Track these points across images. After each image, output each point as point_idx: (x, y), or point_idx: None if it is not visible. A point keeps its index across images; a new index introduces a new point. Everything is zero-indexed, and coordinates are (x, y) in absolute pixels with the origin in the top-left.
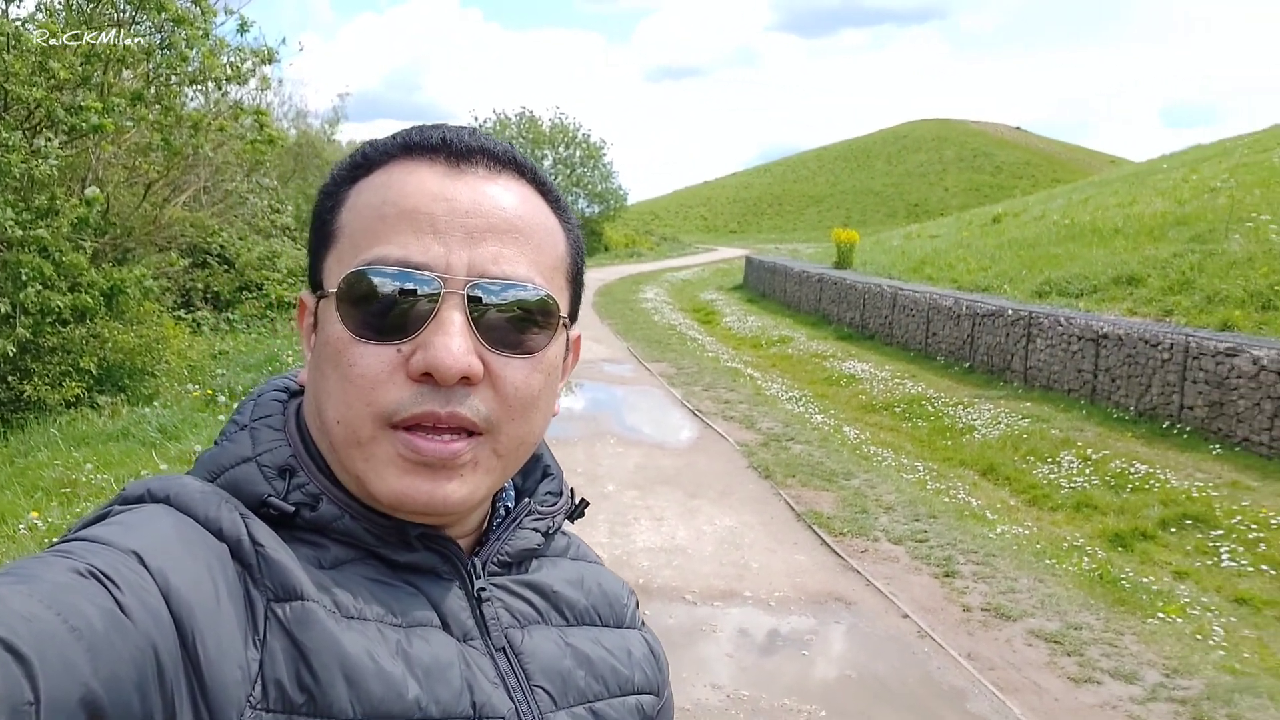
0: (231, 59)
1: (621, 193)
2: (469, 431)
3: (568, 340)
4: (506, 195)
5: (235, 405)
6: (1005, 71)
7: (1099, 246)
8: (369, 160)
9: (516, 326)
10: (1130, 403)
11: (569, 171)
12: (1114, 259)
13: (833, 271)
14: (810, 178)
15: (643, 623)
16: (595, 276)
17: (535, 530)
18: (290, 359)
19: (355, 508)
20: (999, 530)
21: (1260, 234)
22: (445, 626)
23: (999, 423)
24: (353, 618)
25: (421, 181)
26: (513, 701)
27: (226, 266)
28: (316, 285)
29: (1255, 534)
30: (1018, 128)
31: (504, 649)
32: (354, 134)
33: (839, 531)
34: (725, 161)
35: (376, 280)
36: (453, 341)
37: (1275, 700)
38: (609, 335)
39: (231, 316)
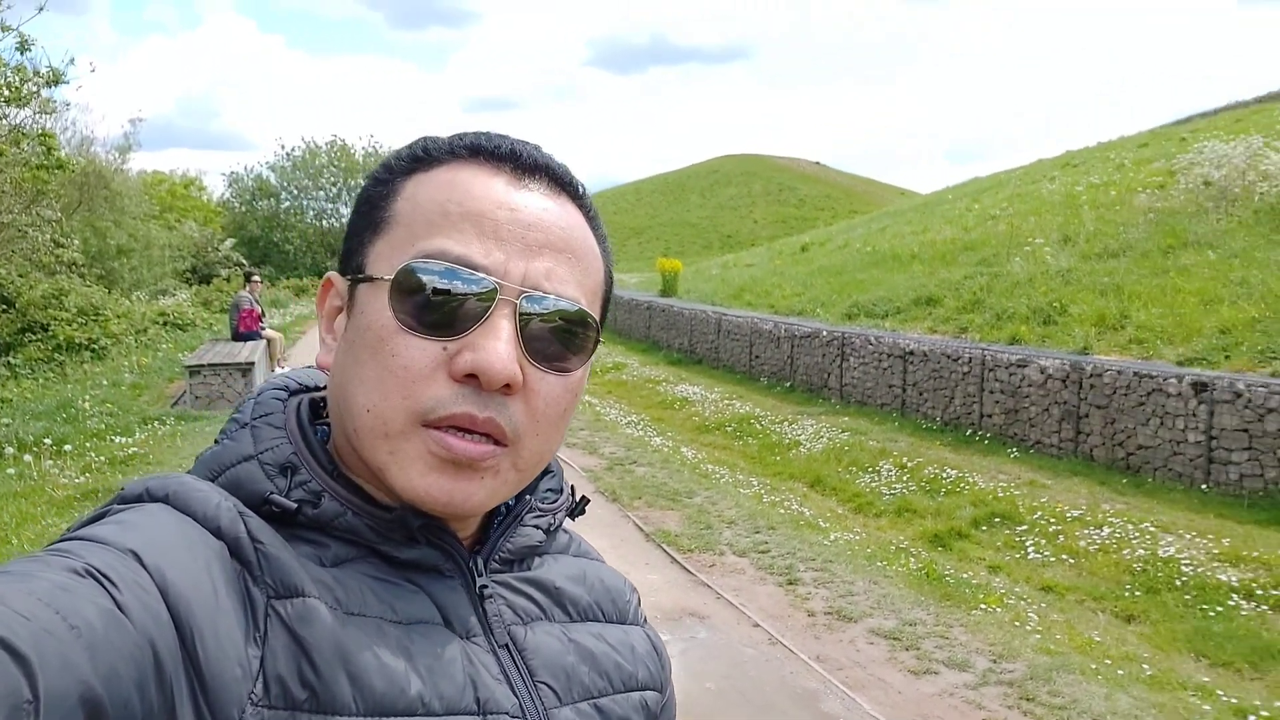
0: (10, 79)
1: None
2: (495, 440)
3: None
4: (564, 215)
5: (235, 405)
6: (805, 109)
7: (899, 271)
8: (430, 156)
9: (558, 343)
10: (937, 413)
11: None
12: (913, 282)
13: (660, 299)
14: (630, 210)
15: (645, 619)
16: None
17: (537, 527)
18: (86, 404)
19: (357, 504)
20: (832, 537)
21: (1037, 256)
22: (447, 624)
23: (821, 437)
24: (354, 614)
25: (488, 187)
26: (517, 698)
27: (5, 306)
28: (356, 269)
29: (1054, 527)
30: (817, 162)
31: (507, 646)
32: (147, 163)
33: (687, 548)
34: None
35: (435, 273)
36: (503, 347)
37: (1086, 674)
38: None
39: (13, 361)
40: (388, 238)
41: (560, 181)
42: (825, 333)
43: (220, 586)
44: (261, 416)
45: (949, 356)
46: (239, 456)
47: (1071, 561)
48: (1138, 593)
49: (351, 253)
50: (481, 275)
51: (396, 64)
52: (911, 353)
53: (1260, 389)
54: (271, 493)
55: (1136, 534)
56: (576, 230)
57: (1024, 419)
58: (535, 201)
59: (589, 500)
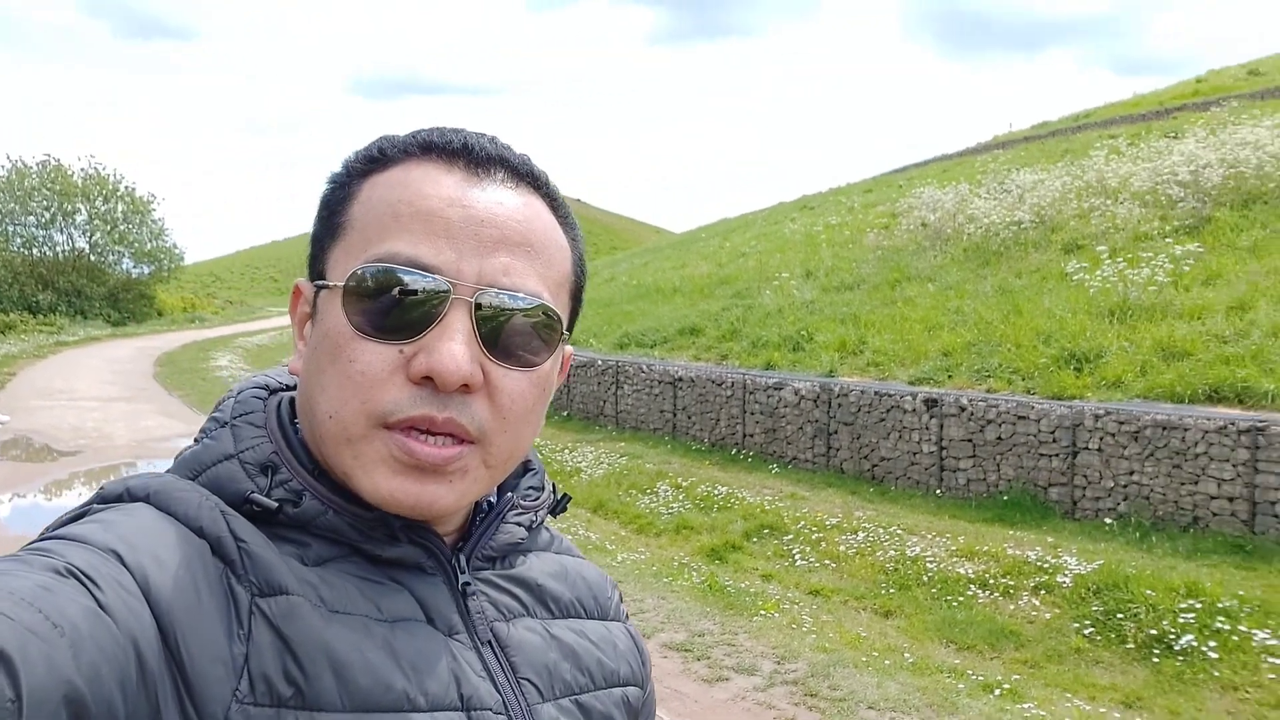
0: None
1: (177, 252)
2: (460, 439)
3: (561, 356)
4: (522, 208)
5: (215, 402)
6: (562, 148)
7: (663, 303)
8: (385, 156)
9: (519, 339)
10: (705, 435)
11: (109, 228)
12: (677, 313)
13: None
14: None
15: (627, 615)
16: (153, 345)
17: (519, 524)
18: None
19: (338, 503)
20: (620, 558)
21: (784, 290)
22: (430, 621)
23: (601, 463)
24: (339, 612)
25: (439, 184)
26: (500, 694)
27: None
28: (318, 275)
29: (816, 535)
30: (578, 199)
31: (490, 643)
32: None
33: None
34: (297, 220)
35: (384, 277)
36: (457, 348)
37: (859, 666)
38: (183, 410)
39: None
40: (344, 243)
41: (519, 173)
42: (600, 361)
43: (202, 585)
44: (242, 415)
45: (714, 381)
46: (219, 455)
47: (834, 565)
48: (892, 590)
49: (314, 259)
50: (433, 276)
51: (122, 77)
52: (680, 379)
53: (980, 403)
54: (252, 492)
55: (886, 537)
56: (536, 222)
57: (782, 437)
58: (490, 196)
59: (570, 498)
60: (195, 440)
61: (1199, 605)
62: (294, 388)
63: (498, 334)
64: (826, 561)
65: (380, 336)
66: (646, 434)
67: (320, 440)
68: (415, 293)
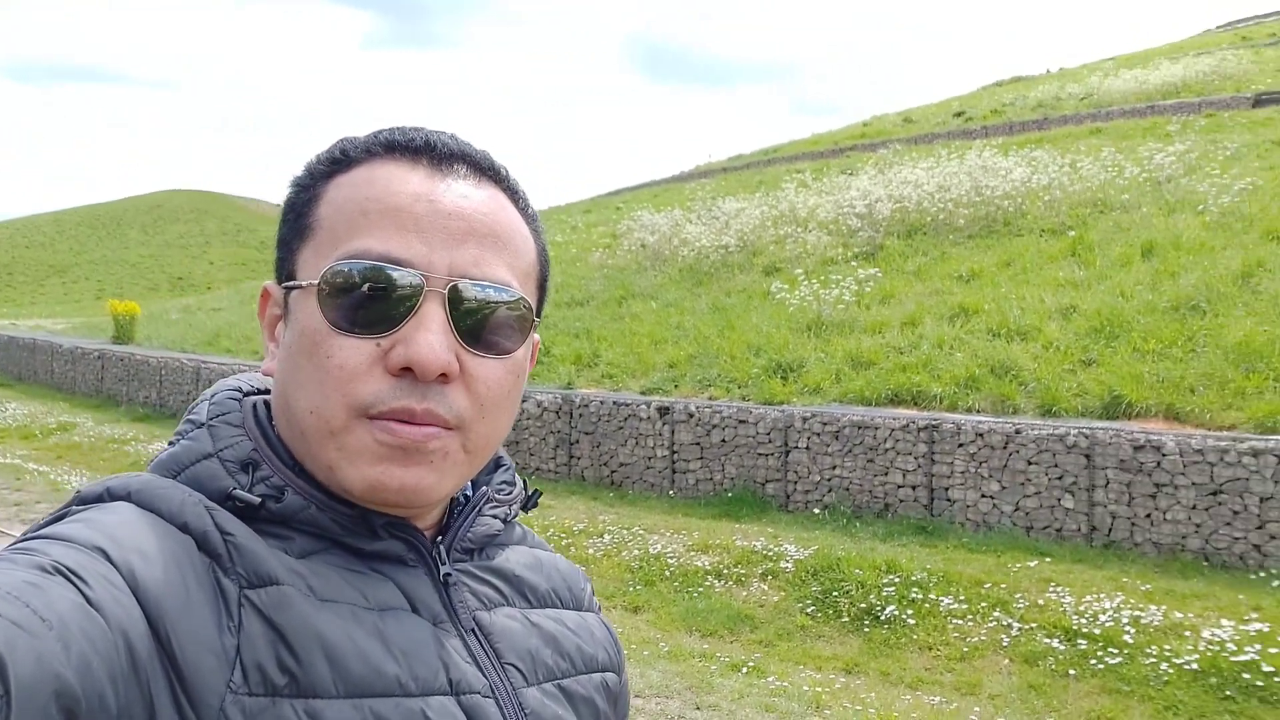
0: None
1: None
2: (440, 428)
3: (531, 343)
4: (487, 200)
5: (187, 407)
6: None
7: None
8: (348, 156)
9: (493, 327)
10: None
11: None
12: None
13: (116, 347)
14: (49, 244)
15: (599, 607)
16: None
17: (495, 517)
18: None
19: (320, 498)
20: None
21: None
22: (415, 610)
23: None
24: (328, 601)
25: (405, 181)
26: (486, 678)
27: None
28: (288, 277)
29: (565, 541)
30: (279, 205)
31: (473, 630)
32: None
33: None
34: None
35: (358, 272)
36: (434, 338)
37: None
38: None
39: None
40: (313, 243)
41: (480, 167)
42: None
43: (190, 579)
44: (219, 416)
45: None
46: (198, 455)
47: (584, 569)
48: (640, 586)
49: (282, 261)
50: (405, 269)
51: None
52: None
53: (706, 410)
54: (234, 488)
55: (630, 538)
56: (501, 214)
57: (525, 448)
58: (455, 190)
59: (541, 493)
60: (170, 443)
61: (897, 580)
62: (266, 391)
63: (472, 323)
64: (577, 565)
65: (357, 331)
66: None
67: (302, 436)
68: (389, 287)
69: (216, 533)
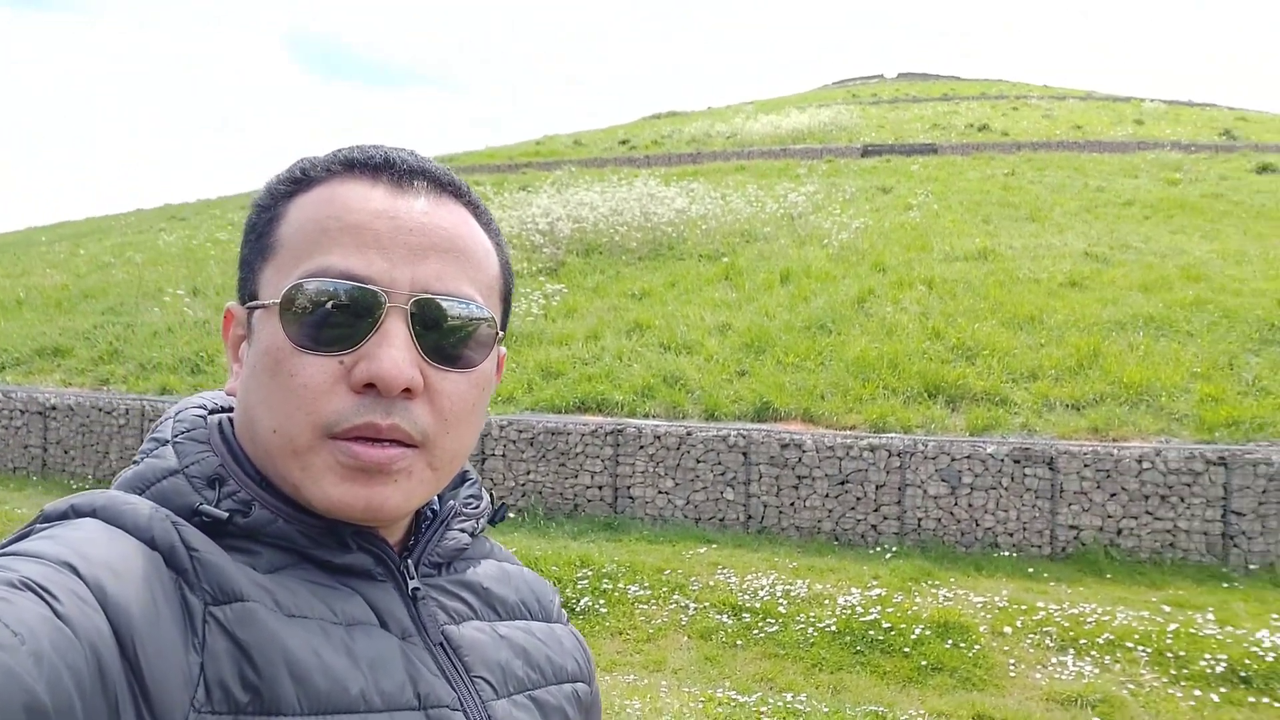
0: None
1: None
2: (405, 444)
3: (496, 357)
4: (448, 216)
5: (152, 426)
6: None
7: (10, 319)
8: (308, 176)
9: (456, 342)
10: (89, 470)
11: None
12: (31, 331)
13: None
14: None
15: (566, 619)
16: None
17: (463, 531)
18: None
19: (288, 512)
20: None
21: (176, 307)
22: (384, 625)
23: None
24: (295, 616)
25: (366, 198)
26: (455, 691)
27: None
28: (250, 296)
29: None
30: None
31: (441, 644)
32: None
33: None
34: None
35: (320, 290)
36: (397, 353)
37: None
38: None
39: None
40: (275, 263)
41: (441, 183)
42: None
43: (158, 595)
44: (184, 433)
45: (101, 409)
46: (164, 471)
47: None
48: None
49: (245, 281)
50: (366, 286)
51: None
52: (54, 407)
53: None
54: (201, 503)
55: None
56: (463, 228)
57: None
58: (416, 206)
59: (507, 507)
60: (135, 461)
61: (590, 573)
62: (232, 409)
63: (435, 338)
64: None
65: (319, 349)
66: (5, 475)
67: (265, 455)
68: (351, 304)
69: (183, 547)
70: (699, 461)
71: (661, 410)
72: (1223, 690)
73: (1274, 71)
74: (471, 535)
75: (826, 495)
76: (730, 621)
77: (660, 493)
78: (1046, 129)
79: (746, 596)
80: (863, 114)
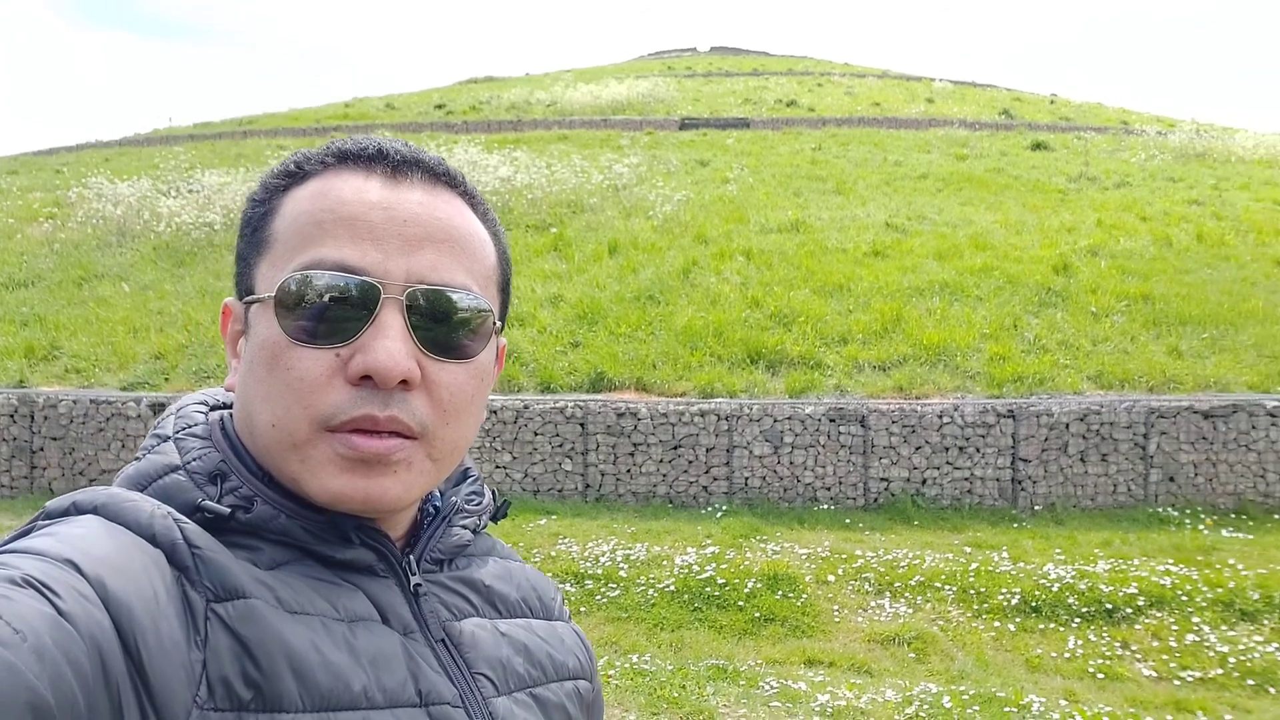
0: None
1: None
2: (403, 436)
3: (496, 347)
4: (443, 206)
5: (154, 422)
6: None
7: None
8: (302, 169)
9: (453, 332)
10: None
11: None
12: None
13: None
14: None
15: (569, 616)
16: None
17: (465, 528)
18: None
19: (290, 507)
20: None
21: None
22: (385, 621)
23: None
24: (297, 613)
25: (359, 190)
26: (456, 688)
27: None
28: (247, 291)
29: None
30: None
31: (443, 640)
32: None
33: None
34: None
35: (315, 283)
36: (393, 344)
37: None
38: None
39: None
40: (270, 256)
41: (435, 173)
42: None
43: (160, 592)
44: (185, 429)
45: None
46: (165, 468)
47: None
48: None
49: (241, 276)
50: (361, 278)
51: None
52: None
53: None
54: (202, 500)
55: None
56: (457, 219)
57: None
58: (411, 197)
59: (510, 503)
60: (137, 457)
61: None
62: (232, 405)
63: (431, 329)
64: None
65: (316, 342)
66: None
67: (265, 450)
68: (346, 296)
69: (184, 545)
70: (536, 434)
71: (496, 384)
72: (1018, 620)
73: (1044, 56)
74: (474, 532)
75: (661, 460)
76: (574, 589)
77: (498, 467)
78: (849, 105)
79: (588, 564)
80: (679, 86)
